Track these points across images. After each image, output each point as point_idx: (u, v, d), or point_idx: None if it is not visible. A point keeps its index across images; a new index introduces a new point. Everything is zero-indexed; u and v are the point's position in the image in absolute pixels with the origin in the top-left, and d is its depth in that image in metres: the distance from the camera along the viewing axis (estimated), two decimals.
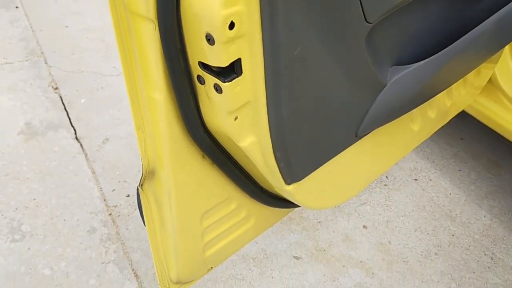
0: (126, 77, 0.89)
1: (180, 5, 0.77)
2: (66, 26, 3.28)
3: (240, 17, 0.76)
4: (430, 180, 2.24)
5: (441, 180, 2.24)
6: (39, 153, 2.29)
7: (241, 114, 0.90)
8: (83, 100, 2.65)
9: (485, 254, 1.92)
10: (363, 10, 0.89)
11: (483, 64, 1.73)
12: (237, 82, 0.84)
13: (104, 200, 2.07)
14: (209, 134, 0.98)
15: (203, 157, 1.02)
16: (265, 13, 0.78)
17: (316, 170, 1.15)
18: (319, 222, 2.02)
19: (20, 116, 2.50)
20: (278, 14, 0.79)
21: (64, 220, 1.97)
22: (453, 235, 1.99)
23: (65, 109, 2.57)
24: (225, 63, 0.80)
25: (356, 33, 0.94)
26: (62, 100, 2.63)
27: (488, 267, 1.87)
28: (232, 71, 0.84)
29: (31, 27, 3.26)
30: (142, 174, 1.00)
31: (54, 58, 2.96)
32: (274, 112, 0.92)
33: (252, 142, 0.96)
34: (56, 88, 2.72)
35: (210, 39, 0.76)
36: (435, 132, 1.72)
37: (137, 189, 1.05)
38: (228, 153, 1.05)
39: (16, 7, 3.47)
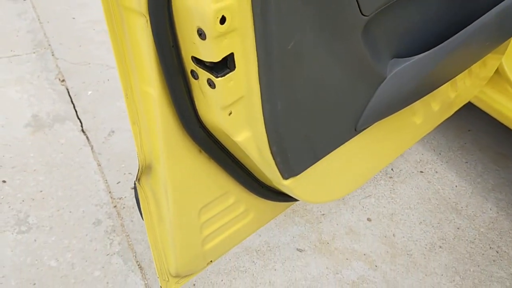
0: (120, 72, 0.89)
1: (171, 0, 0.77)
2: (73, 18, 3.29)
3: (231, 12, 0.75)
4: (436, 172, 2.22)
5: (447, 173, 2.22)
6: (46, 145, 2.31)
7: (235, 109, 0.90)
8: (89, 92, 2.66)
9: (490, 248, 1.90)
10: (358, 3, 0.88)
11: (489, 54, 1.70)
12: (230, 77, 0.84)
13: (109, 192, 2.08)
14: (205, 129, 0.98)
15: (200, 151, 1.02)
16: (257, 7, 0.77)
17: (315, 164, 1.15)
18: (323, 214, 2.01)
19: (27, 109, 2.52)
20: (270, 8, 0.78)
21: (70, 212, 1.99)
22: (458, 228, 1.97)
23: (71, 101, 2.59)
24: (217, 58, 0.79)
25: (351, 26, 0.93)
26: (68, 92, 2.65)
27: (493, 261, 1.85)
28: (225, 66, 0.83)
29: (39, 19, 3.27)
30: (139, 169, 1.00)
31: (61, 50, 2.98)
32: (269, 107, 0.92)
33: (248, 136, 0.96)
34: (63, 80, 2.74)
35: (201, 34, 0.76)
36: (439, 124, 1.70)
37: (135, 183, 1.05)
38: (225, 147, 1.05)
39: None
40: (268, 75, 0.87)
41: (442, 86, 1.45)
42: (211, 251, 1.24)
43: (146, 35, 0.80)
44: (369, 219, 2.00)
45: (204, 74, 0.83)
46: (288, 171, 1.07)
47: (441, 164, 2.26)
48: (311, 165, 1.12)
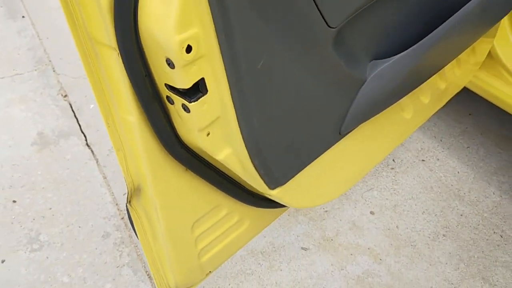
0: (98, 101, 0.92)
1: (138, 32, 0.79)
2: None
3: (197, 40, 0.77)
4: (438, 159, 2.23)
5: (449, 159, 2.22)
6: (53, 162, 2.36)
7: (213, 130, 0.92)
8: (91, 106, 2.71)
9: (494, 232, 1.90)
10: (323, 17, 0.89)
11: (480, 39, 1.70)
12: (204, 101, 0.86)
13: (116, 204, 2.13)
14: (188, 148, 1.00)
15: (186, 170, 1.05)
16: (221, 33, 0.79)
17: (301, 171, 1.17)
18: (326, 211, 2.03)
19: (32, 127, 2.57)
20: (234, 33, 0.80)
21: (79, 227, 2.04)
22: (461, 215, 1.98)
23: (75, 116, 2.64)
24: (188, 85, 0.82)
25: (320, 39, 0.94)
26: (71, 107, 2.70)
27: (498, 245, 1.86)
28: (197, 90, 0.86)
29: (38, 36, 3.32)
30: (128, 192, 1.04)
31: (62, 65, 3.03)
32: (245, 124, 0.94)
33: (228, 153, 0.98)
34: (65, 96, 2.79)
35: (170, 63, 0.79)
36: (435, 113, 1.70)
37: (126, 205, 1.09)
38: (211, 163, 1.07)
39: (23, 17, 3.53)
40: (241, 95, 0.89)
41: (430, 79, 1.46)
42: (208, 262, 1.27)
43: (119, 66, 0.83)
44: (372, 213, 2.02)
45: (178, 100, 0.86)
46: (273, 182, 1.09)
47: (442, 151, 2.26)
48: (296, 174, 1.14)
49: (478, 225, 1.94)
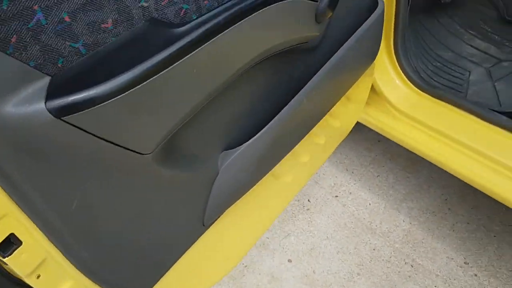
0: None
1: None
2: None
3: None
4: (350, 193, 2.27)
5: (360, 191, 2.27)
6: None
7: (43, 271, 0.92)
8: None
9: (405, 263, 1.96)
10: (132, 150, 0.89)
11: (360, 79, 1.75)
12: (20, 251, 0.86)
13: None
14: None
15: None
16: (13, 197, 0.79)
17: (172, 268, 1.17)
18: (245, 266, 2.05)
19: None
20: (27, 193, 0.79)
21: None
22: (374, 249, 2.02)
23: None
24: None
25: (137, 166, 0.94)
26: None
27: (409, 276, 1.91)
28: (11, 243, 0.85)
29: None
30: None
31: None
32: (77, 259, 0.94)
33: (72, 285, 0.98)
34: None
35: None
36: (345, 145, 1.73)
37: None
38: None
39: None
40: (60, 237, 0.89)
41: (304, 140, 1.49)
42: None
43: None
44: (289, 260, 2.04)
45: None
46: None
47: (354, 184, 2.31)
48: (160, 279, 1.14)
49: (390, 257, 1.98)
